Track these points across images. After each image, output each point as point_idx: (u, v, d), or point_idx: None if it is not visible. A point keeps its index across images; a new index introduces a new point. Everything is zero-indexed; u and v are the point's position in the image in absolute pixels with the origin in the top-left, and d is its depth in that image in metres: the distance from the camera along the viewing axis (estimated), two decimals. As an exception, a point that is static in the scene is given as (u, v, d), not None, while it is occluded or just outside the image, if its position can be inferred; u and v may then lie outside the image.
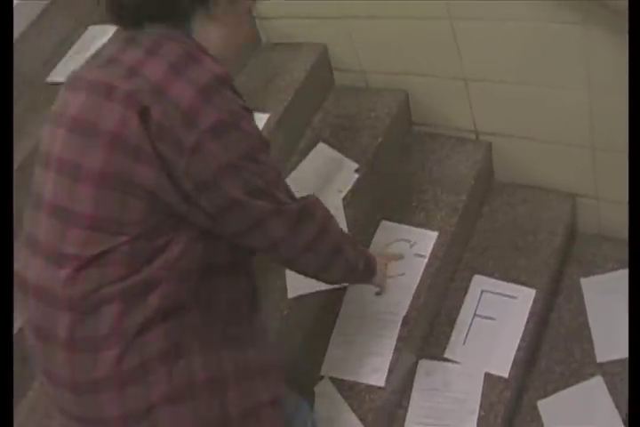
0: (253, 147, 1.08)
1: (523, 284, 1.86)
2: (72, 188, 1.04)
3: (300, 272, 1.33)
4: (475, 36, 1.80)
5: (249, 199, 1.07)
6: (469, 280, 1.90)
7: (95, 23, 2.24)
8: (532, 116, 1.89)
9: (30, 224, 1.13)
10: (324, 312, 1.78)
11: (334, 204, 1.83)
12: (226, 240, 1.14)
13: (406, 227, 1.91)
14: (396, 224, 1.93)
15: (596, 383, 1.72)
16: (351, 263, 1.35)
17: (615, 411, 1.66)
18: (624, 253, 1.93)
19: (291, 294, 1.71)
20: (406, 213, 1.95)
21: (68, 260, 1.05)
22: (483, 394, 1.66)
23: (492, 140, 2.06)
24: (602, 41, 1.58)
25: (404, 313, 1.70)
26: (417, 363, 1.75)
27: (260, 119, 1.91)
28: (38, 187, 1.13)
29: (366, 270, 1.44)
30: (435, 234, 1.87)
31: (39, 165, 1.14)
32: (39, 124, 1.99)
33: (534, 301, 1.82)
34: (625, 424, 1.64)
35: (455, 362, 1.74)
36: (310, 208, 1.21)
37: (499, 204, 2.09)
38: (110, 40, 1.15)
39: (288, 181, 1.23)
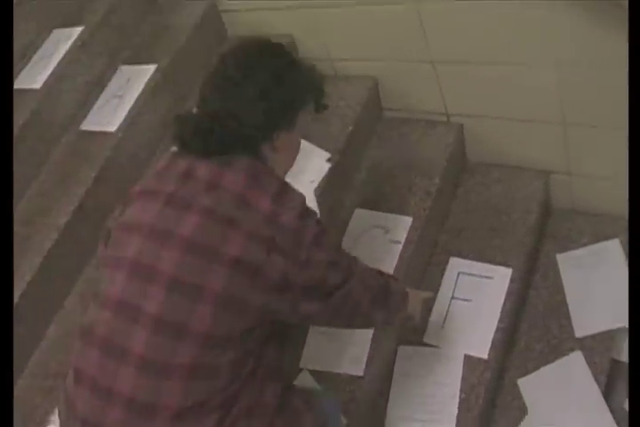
0: (329, 237, 1.26)
1: (499, 264, 1.87)
2: (191, 307, 1.12)
3: (364, 326, 1.54)
4: (441, 18, 1.79)
5: (341, 289, 1.24)
6: (446, 263, 1.92)
7: (59, 26, 2.24)
8: (502, 95, 1.89)
9: (115, 333, 1.15)
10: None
11: (307, 195, 1.82)
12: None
13: (380, 213, 1.92)
14: (369, 211, 1.94)
15: (575, 358, 1.74)
16: (398, 292, 1.45)
17: (594, 384, 1.69)
18: (598, 227, 1.96)
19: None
20: (380, 200, 1.96)
21: (175, 372, 1.12)
22: (463, 377, 1.68)
23: (463, 122, 2.06)
24: (569, 18, 1.57)
25: (380, 301, 1.72)
26: (396, 349, 1.77)
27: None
28: (126, 296, 1.16)
29: (405, 296, 1.48)
30: (409, 219, 1.88)
31: (131, 275, 1.16)
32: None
33: (511, 280, 1.83)
34: (604, 397, 1.67)
35: (434, 346, 1.76)
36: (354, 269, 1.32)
37: (472, 184, 2.09)
38: (175, 156, 1.32)
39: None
